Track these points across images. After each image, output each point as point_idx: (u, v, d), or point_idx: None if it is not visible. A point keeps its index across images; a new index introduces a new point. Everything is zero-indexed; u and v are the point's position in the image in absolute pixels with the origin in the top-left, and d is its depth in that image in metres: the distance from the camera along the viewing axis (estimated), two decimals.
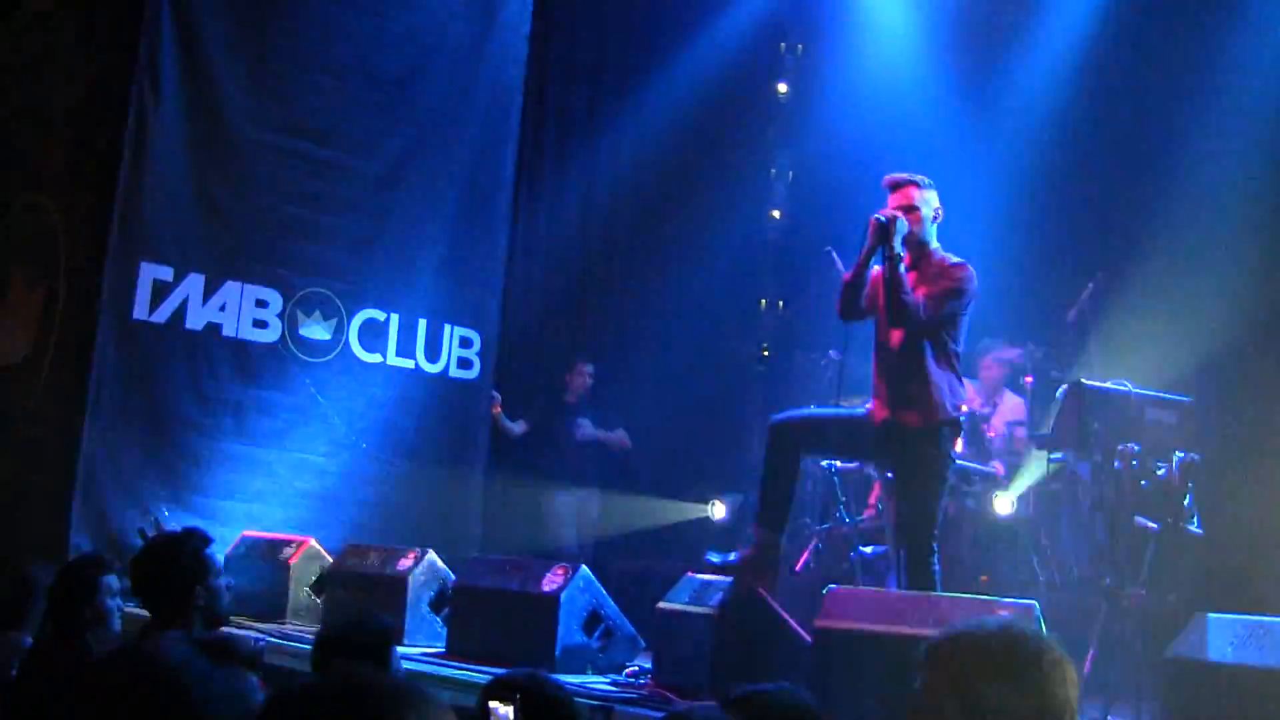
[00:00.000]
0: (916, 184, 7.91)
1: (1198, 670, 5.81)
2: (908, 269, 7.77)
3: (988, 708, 3.16)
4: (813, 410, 8.64)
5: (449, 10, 12.38)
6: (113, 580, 6.28)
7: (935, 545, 7.66)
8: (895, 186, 7.93)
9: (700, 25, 14.40)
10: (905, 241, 7.75)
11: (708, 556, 8.27)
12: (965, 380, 8.17)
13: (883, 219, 7.67)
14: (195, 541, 5.92)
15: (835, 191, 13.79)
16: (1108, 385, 8.19)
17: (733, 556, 8.08)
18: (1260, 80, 11.42)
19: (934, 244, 7.93)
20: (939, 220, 7.96)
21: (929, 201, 7.91)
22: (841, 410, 8.29)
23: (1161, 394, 8.21)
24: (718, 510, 13.16)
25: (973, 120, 12.88)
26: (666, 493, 13.53)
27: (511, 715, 3.67)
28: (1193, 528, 7.93)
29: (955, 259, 7.88)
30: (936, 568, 7.61)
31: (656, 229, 14.72)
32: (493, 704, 3.76)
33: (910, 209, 7.79)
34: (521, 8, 12.72)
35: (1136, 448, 7.83)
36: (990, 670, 3.20)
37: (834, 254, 11.74)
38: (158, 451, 10.72)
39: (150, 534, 9.86)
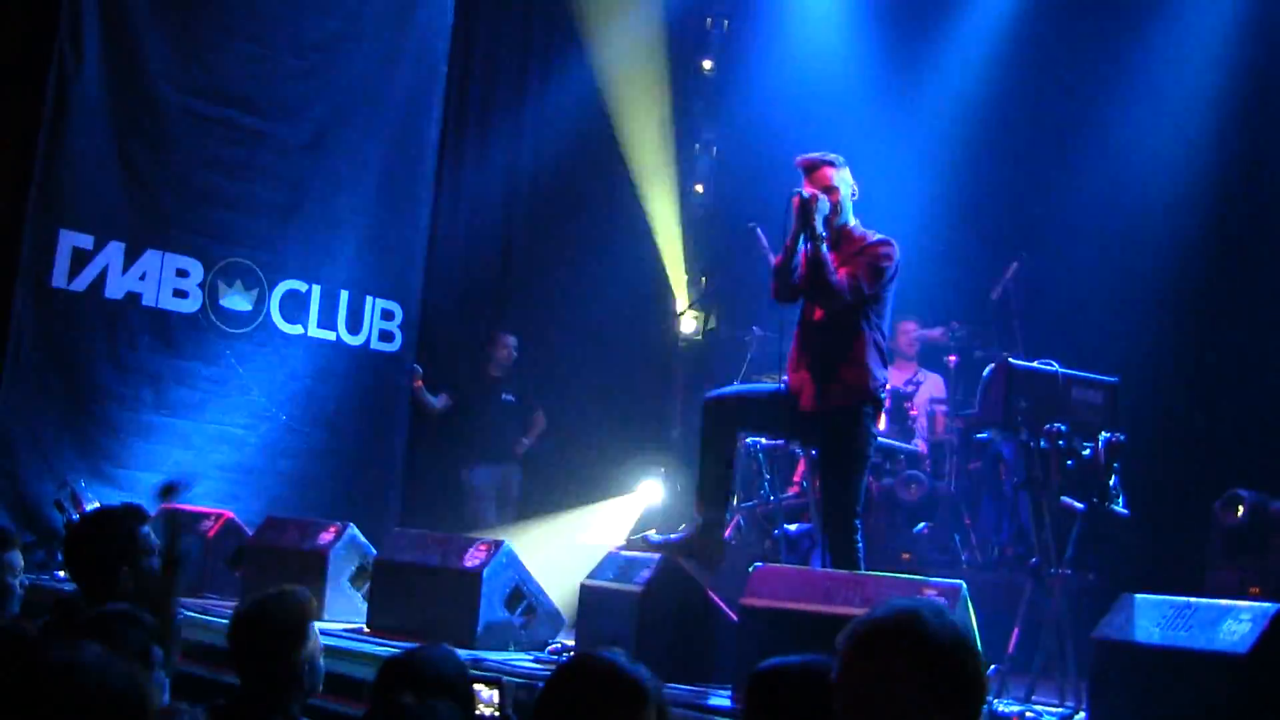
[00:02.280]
0: (831, 163, 7.87)
1: (1123, 651, 5.82)
2: (829, 249, 7.73)
3: (947, 688, 3.23)
4: (743, 387, 8.58)
5: None
6: (15, 557, 6.08)
7: (859, 524, 7.63)
8: (810, 169, 7.87)
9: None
10: (826, 221, 7.72)
11: (647, 536, 8.23)
12: (889, 359, 8.14)
13: (805, 195, 7.63)
14: (130, 520, 5.79)
15: (759, 168, 13.80)
16: (1034, 365, 8.18)
17: (674, 536, 8.06)
18: (1183, 65, 11.52)
19: (853, 222, 7.88)
20: (856, 198, 7.92)
21: (845, 180, 7.86)
22: (769, 386, 8.24)
23: (1088, 374, 8.21)
24: (654, 494, 13.06)
25: (898, 98, 12.91)
26: (589, 468, 13.53)
27: (497, 699, 3.66)
28: (1118, 508, 7.94)
29: (876, 235, 7.84)
30: (860, 546, 7.59)
31: (580, 201, 14.67)
32: (478, 686, 3.74)
33: (829, 189, 7.75)
34: None
35: (1063, 428, 7.83)
36: (950, 651, 3.26)
37: (758, 230, 11.73)
38: (75, 422, 10.59)
39: (67, 505, 9.74)
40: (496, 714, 3.73)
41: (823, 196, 7.66)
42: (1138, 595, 5.97)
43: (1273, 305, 10.73)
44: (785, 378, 7.90)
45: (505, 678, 4.59)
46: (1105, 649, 5.93)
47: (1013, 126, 12.45)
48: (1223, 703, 5.37)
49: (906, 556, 10.49)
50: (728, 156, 15.23)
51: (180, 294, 11.09)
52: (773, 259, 11.30)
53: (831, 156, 7.91)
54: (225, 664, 6.04)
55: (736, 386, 8.66)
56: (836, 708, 3.33)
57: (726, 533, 8.89)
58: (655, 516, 12.35)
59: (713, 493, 7.95)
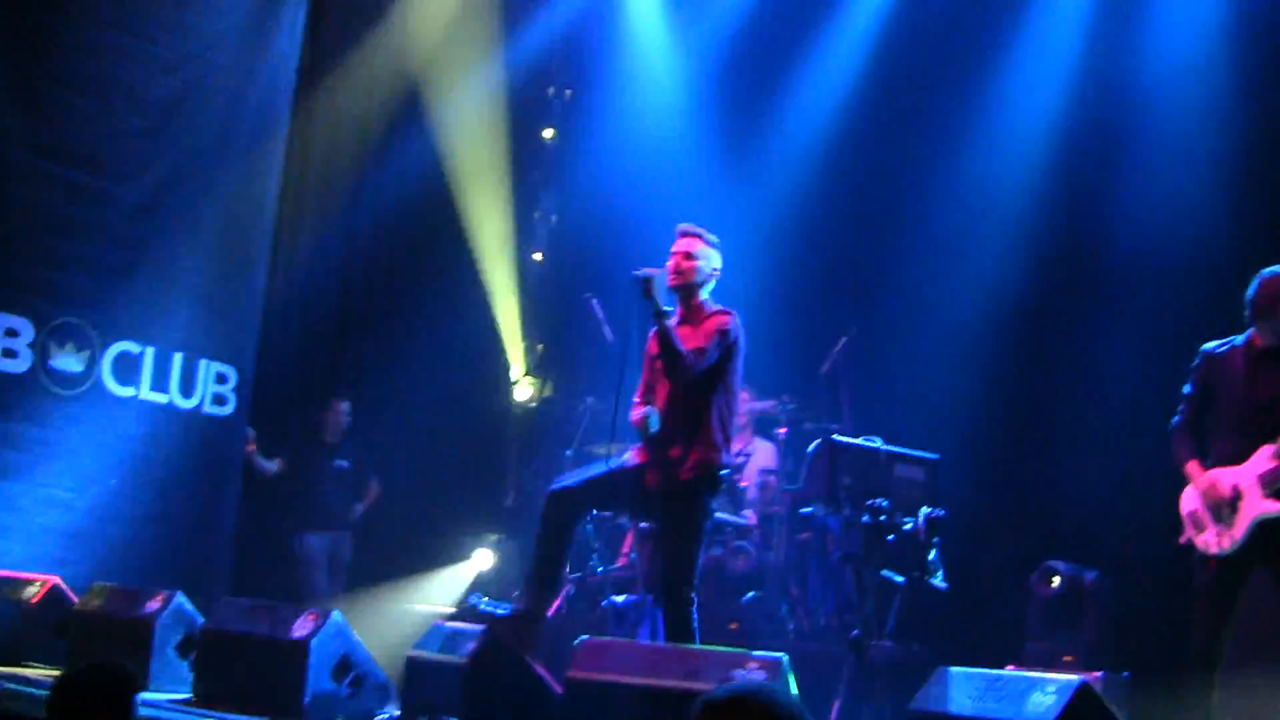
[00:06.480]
0: (701, 237, 7.99)
1: None
2: (680, 322, 7.86)
3: None
4: (586, 474, 8.53)
5: (219, 38, 12.13)
6: None
7: (694, 597, 7.71)
8: (684, 234, 8.00)
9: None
10: (680, 295, 7.86)
11: (474, 601, 8.23)
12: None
13: (643, 275, 7.74)
14: None
15: (598, 237, 13.94)
16: (858, 441, 8.37)
17: (500, 609, 8.09)
18: (1006, 147, 11.82)
19: (704, 297, 8.00)
20: (715, 278, 8.04)
21: (709, 258, 7.99)
22: (610, 467, 8.21)
23: (909, 451, 8.41)
24: (485, 560, 13.08)
25: (734, 173, 13.10)
26: (422, 536, 13.51)
27: None
28: (937, 581, 8.14)
29: (717, 307, 7.97)
30: (695, 621, 7.66)
31: (418, 267, 14.65)
32: None
33: (688, 256, 7.89)
34: (292, 39, 12.62)
35: (885, 503, 8.01)
36: None
37: (593, 301, 11.84)
38: None
39: None
40: None
41: (657, 273, 7.78)
42: (952, 668, 6.13)
43: (1084, 384, 11.03)
44: (623, 452, 7.97)
45: None
46: None
47: (843, 205, 12.70)
48: None
49: (734, 626, 10.60)
50: (567, 225, 15.31)
51: (10, 354, 10.90)
52: (608, 330, 11.46)
53: (707, 234, 8.03)
54: None
55: (578, 474, 8.60)
56: None
57: (553, 608, 8.92)
58: (488, 583, 12.37)
59: (542, 582, 8.00)
